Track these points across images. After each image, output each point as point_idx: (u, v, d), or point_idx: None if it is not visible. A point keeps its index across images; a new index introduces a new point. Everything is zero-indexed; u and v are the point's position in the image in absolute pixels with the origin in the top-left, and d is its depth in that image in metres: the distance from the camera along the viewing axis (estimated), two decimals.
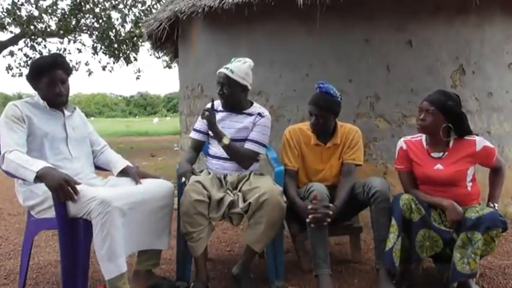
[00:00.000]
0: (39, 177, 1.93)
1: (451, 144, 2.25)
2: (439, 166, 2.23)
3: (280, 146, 2.62)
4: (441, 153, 2.26)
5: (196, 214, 2.18)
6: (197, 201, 2.18)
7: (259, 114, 2.54)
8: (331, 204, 2.24)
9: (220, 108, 2.59)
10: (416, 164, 2.31)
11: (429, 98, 2.24)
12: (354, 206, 2.45)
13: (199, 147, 2.64)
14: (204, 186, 2.24)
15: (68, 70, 2.25)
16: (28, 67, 2.25)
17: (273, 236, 2.27)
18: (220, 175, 2.45)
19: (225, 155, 2.48)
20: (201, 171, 2.51)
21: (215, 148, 2.54)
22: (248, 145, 2.49)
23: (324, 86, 2.45)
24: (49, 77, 2.16)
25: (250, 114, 2.55)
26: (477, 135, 2.30)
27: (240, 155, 2.47)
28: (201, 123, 2.60)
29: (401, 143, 2.39)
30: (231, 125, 2.52)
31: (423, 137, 2.34)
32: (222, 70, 2.48)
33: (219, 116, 2.55)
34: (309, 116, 2.50)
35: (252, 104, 2.61)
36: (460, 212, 2.10)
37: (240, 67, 2.48)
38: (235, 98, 2.51)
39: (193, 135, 2.63)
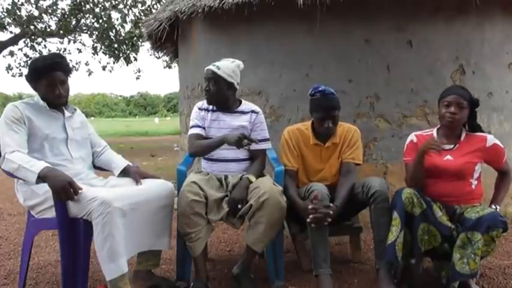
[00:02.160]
0: (42, 178, 1.93)
1: (462, 137, 2.28)
2: (449, 157, 2.25)
3: (279, 147, 2.62)
4: (452, 146, 2.28)
5: (193, 214, 2.19)
6: (194, 201, 2.18)
7: (253, 111, 2.56)
8: (331, 204, 2.24)
9: (211, 107, 2.57)
10: (426, 155, 2.29)
11: (456, 91, 2.25)
12: (354, 206, 2.45)
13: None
14: (200, 186, 2.25)
15: (67, 70, 2.23)
16: (28, 67, 2.23)
17: (274, 236, 2.27)
18: (221, 176, 2.45)
19: (227, 156, 2.48)
20: (199, 172, 2.51)
21: (218, 150, 2.49)
22: (258, 145, 2.49)
23: (323, 88, 2.44)
24: (48, 79, 2.15)
25: (243, 113, 2.56)
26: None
27: (262, 169, 2.52)
28: (197, 120, 2.55)
29: (412, 136, 2.40)
30: (225, 125, 2.51)
31: (434, 130, 2.36)
32: (209, 67, 2.49)
33: (211, 115, 2.55)
34: (319, 122, 2.46)
35: (240, 102, 2.62)
36: (435, 141, 2.16)
37: (227, 65, 2.50)
38: (220, 95, 2.49)
39: (198, 130, 2.53)
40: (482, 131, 2.32)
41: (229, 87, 2.50)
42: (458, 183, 2.22)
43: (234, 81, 2.50)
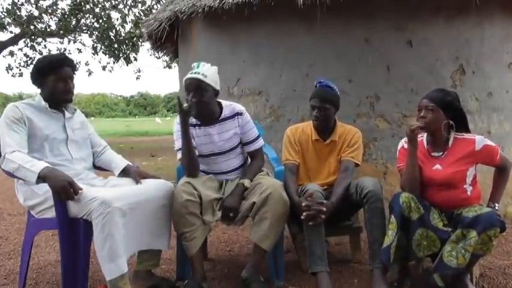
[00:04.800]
0: (42, 178, 1.93)
1: (450, 143, 2.23)
2: (438, 166, 2.22)
3: (282, 145, 2.64)
4: (441, 153, 2.24)
5: (187, 214, 2.18)
6: (188, 201, 2.17)
7: (237, 113, 2.44)
8: (325, 201, 2.25)
9: (194, 122, 2.41)
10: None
11: (427, 95, 2.23)
12: (348, 207, 2.46)
13: None
14: (194, 186, 2.23)
15: (74, 68, 2.29)
16: (35, 64, 2.26)
17: (279, 233, 2.27)
18: (222, 180, 2.45)
19: (223, 169, 2.44)
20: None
21: (214, 165, 2.45)
22: (251, 146, 2.48)
23: (324, 81, 2.54)
24: (59, 73, 2.19)
25: (229, 118, 2.43)
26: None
27: (261, 165, 2.48)
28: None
29: (402, 142, 2.37)
30: (217, 138, 2.41)
31: (424, 136, 2.33)
32: (193, 76, 2.28)
33: (199, 131, 2.41)
34: (311, 111, 2.53)
35: (220, 104, 2.45)
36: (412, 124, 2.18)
37: (210, 71, 2.33)
38: (209, 105, 2.34)
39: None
40: (467, 128, 2.25)
41: (216, 96, 2.38)
42: (451, 191, 2.17)
43: (219, 88, 2.38)
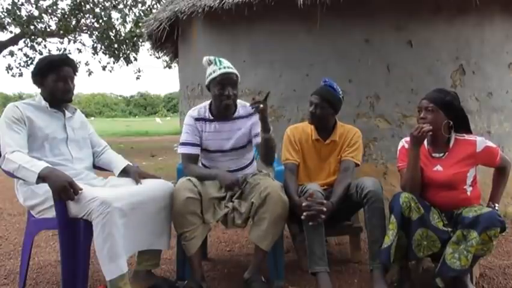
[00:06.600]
0: (42, 178, 1.93)
1: (451, 144, 2.23)
2: (438, 167, 2.22)
3: (282, 144, 2.64)
4: (441, 154, 2.24)
5: (188, 213, 2.17)
6: (189, 198, 2.16)
7: (251, 114, 2.42)
8: (325, 201, 2.25)
9: (208, 116, 2.43)
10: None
11: (427, 96, 2.23)
12: (349, 207, 2.46)
13: (196, 162, 2.46)
14: (194, 184, 2.23)
15: (75, 69, 2.30)
16: (36, 64, 2.27)
17: (279, 233, 2.27)
18: None
19: (230, 167, 2.44)
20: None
21: (218, 163, 2.46)
22: (258, 139, 2.42)
23: (329, 81, 2.54)
24: (59, 73, 2.20)
25: (243, 117, 2.45)
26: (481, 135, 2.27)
27: (273, 149, 2.38)
28: (192, 136, 2.42)
29: (403, 142, 2.36)
30: (229, 135, 2.43)
31: None
32: (227, 70, 2.31)
33: (210, 126, 2.42)
34: (308, 106, 2.53)
35: (235, 105, 2.46)
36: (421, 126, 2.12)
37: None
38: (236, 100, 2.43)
39: (192, 150, 2.41)
40: (468, 129, 2.24)
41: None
42: (452, 192, 2.17)
43: None
